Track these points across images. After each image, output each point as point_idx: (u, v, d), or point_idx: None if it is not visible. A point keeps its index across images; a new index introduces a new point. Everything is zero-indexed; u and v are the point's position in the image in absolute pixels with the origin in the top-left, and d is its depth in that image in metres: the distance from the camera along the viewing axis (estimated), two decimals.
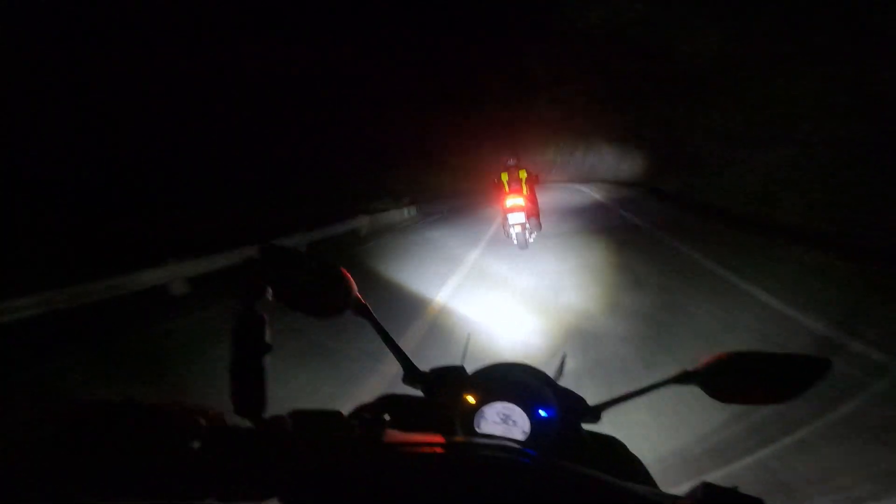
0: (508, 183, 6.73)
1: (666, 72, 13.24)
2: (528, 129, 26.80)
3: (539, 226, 6.82)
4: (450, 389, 0.70)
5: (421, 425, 0.67)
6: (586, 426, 0.72)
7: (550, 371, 0.77)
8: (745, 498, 0.45)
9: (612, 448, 0.74)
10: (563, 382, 0.75)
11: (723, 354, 0.65)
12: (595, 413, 0.71)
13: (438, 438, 0.49)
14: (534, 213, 6.69)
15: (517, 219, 6.41)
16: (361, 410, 0.71)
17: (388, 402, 0.75)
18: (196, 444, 0.42)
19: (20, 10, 9.30)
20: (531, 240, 6.70)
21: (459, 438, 0.63)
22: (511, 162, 6.98)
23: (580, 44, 16.34)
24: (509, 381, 0.71)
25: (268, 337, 0.58)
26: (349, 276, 0.69)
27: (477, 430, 0.68)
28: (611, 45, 14.50)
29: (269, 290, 0.61)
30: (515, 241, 6.64)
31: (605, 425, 0.71)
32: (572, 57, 17.62)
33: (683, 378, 0.67)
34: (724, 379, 0.64)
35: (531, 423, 0.68)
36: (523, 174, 6.77)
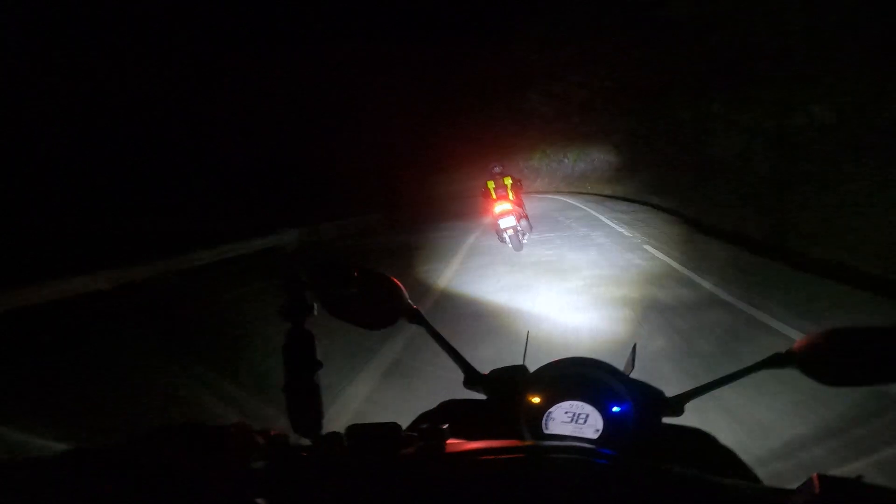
0: (495, 190, 7.07)
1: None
2: (511, 130, 24.68)
3: (530, 227, 7.18)
4: (513, 391, 0.66)
5: (485, 431, 0.62)
6: (668, 420, 0.66)
7: (620, 364, 0.72)
8: (875, 489, 0.38)
9: (700, 442, 0.68)
10: (638, 375, 0.69)
11: (820, 333, 0.60)
12: (676, 406, 0.65)
13: (504, 444, 0.46)
14: (523, 215, 7.04)
15: (509, 223, 6.71)
16: (421, 421, 0.69)
17: (449, 409, 0.72)
18: (259, 465, 0.42)
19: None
20: (524, 241, 6.95)
21: (527, 443, 0.59)
22: (497, 169, 7.32)
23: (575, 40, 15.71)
24: (576, 377, 0.66)
25: (318, 354, 0.59)
26: (400, 284, 0.69)
27: (545, 431, 0.63)
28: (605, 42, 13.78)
29: (316, 307, 0.61)
30: (510, 244, 6.86)
31: (692, 417, 0.64)
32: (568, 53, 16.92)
33: (777, 361, 0.62)
34: (827, 359, 0.59)
35: (604, 421, 0.63)
36: (508, 181, 7.11)
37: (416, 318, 0.70)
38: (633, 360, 0.74)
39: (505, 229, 6.75)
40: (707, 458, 0.66)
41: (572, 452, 0.45)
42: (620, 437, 0.62)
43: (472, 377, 0.69)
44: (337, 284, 0.66)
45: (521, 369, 0.70)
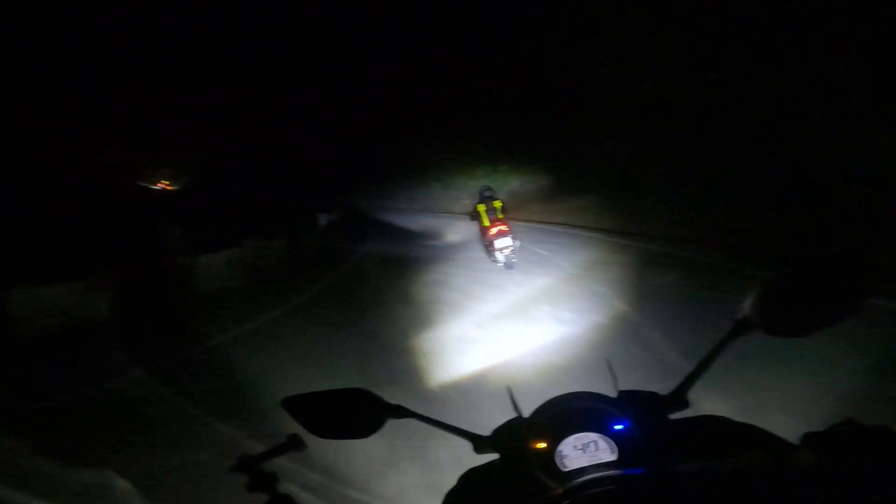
0: (487, 213, 7.36)
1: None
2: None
3: (520, 247, 7.34)
4: (520, 443, 0.66)
5: (507, 489, 0.64)
6: (677, 416, 0.67)
7: (602, 385, 0.74)
8: (861, 429, 0.40)
9: (715, 428, 0.68)
10: (625, 385, 0.70)
11: (765, 286, 0.61)
12: (678, 401, 0.66)
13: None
14: (515, 236, 7.27)
15: (504, 243, 6.93)
16: (451, 498, 0.69)
17: (470, 479, 0.72)
18: None
19: None
20: (515, 260, 7.15)
21: (553, 491, 0.58)
22: (487, 193, 7.58)
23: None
24: (570, 411, 0.67)
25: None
26: (371, 391, 0.73)
27: (563, 470, 0.63)
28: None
29: (305, 445, 0.68)
30: (502, 262, 7.08)
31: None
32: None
33: (742, 328, 0.63)
34: (780, 312, 0.60)
35: (613, 441, 0.63)
36: (498, 203, 7.42)
37: (402, 412, 0.73)
38: (614, 374, 0.75)
39: (501, 249, 6.96)
40: (726, 439, 0.66)
41: (595, 484, 0.45)
42: (636, 450, 0.62)
43: (479, 443, 0.71)
44: (314, 411, 0.71)
45: (517, 420, 0.71)
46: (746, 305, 0.62)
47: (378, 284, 7.88)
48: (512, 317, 4.84)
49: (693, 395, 0.67)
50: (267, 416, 3.03)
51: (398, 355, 4.09)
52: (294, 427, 0.73)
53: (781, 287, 0.61)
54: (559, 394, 0.70)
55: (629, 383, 0.71)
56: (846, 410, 2.23)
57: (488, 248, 7.41)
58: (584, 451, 0.64)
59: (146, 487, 2.53)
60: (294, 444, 0.69)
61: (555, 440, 0.65)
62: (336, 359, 4.27)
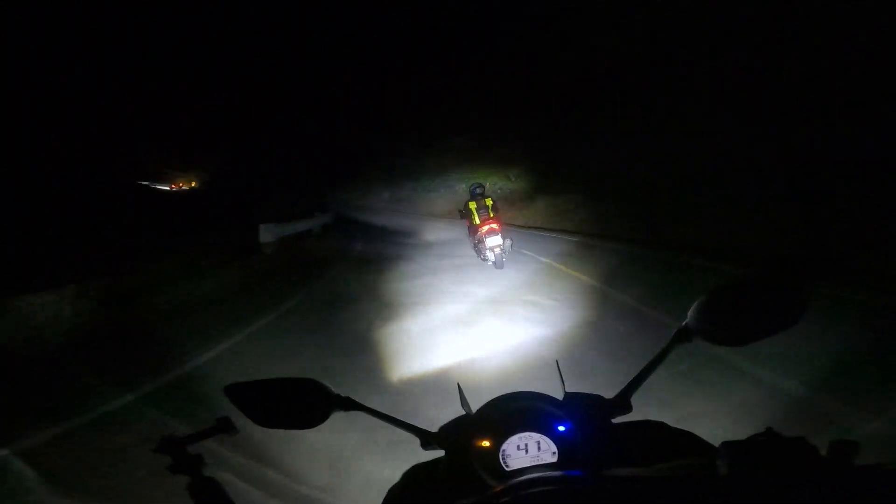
0: (477, 210, 7.38)
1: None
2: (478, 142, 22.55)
3: (511, 246, 7.30)
4: (464, 441, 0.67)
5: (450, 485, 0.64)
6: (619, 420, 0.69)
7: (552, 386, 0.75)
8: (779, 439, 0.43)
9: (653, 432, 0.70)
10: (574, 387, 0.72)
11: (707, 297, 0.64)
12: (621, 404, 0.68)
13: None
14: (505, 235, 7.24)
15: (495, 241, 6.89)
16: (393, 496, 0.69)
17: (415, 474, 0.72)
18: None
19: None
20: (505, 259, 7.08)
21: (493, 489, 0.58)
22: (478, 191, 7.59)
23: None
24: (515, 410, 0.68)
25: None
26: (320, 381, 0.72)
27: (507, 468, 0.64)
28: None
29: (235, 429, 0.67)
30: (493, 261, 7.01)
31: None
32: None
33: (684, 335, 0.66)
34: (719, 322, 0.63)
35: (554, 442, 0.64)
36: (489, 202, 7.43)
37: (351, 405, 0.72)
38: (562, 376, 0.77)
39: (492, 248, 6.92)
40: (662, 445, 0.68)
41: (534, 484, 0.45)
42: (576, 452, 0.63)
43: (427, 439, 0.71)
44: (257, 397, 0.69)
45: (465, 418, 0.72)
46: (689, 315, 0.65)
47: (338, 278, 7.73)
48: (471, 315, 4.87)
49: (636, 399, 0.69)
50: (211, 403, 2.90)
51: (356, 347, 4.02)
52: (238, 414, 0.70)
53: (721, 299, 0.64)
54: (507, 392, 0.71)
55: (578, 385, 0.72)
56: (777, 419, 2.43)
57: (478, 245, 7.49)
58: (526, 450, 0.64)
59: (56, 469, 2.35)
60: (223, 428, 0.67)
61: (499, 439, 0.65)
62: (291, 350, 4.13)
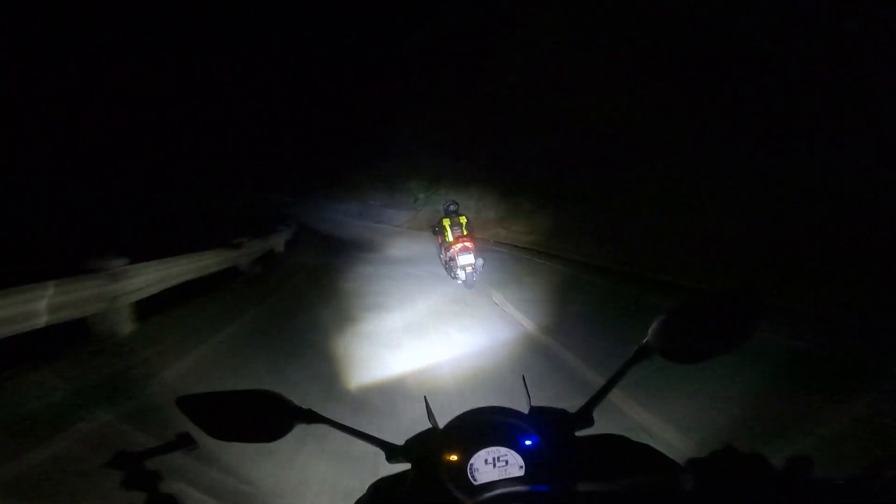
0: (451, 228, 7.35)
1: None
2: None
3: (482, 266, 7.27)
4: (432, 455, 0.67)
5: (418, 500, 0.64)
6: (582, 433, 0.70)
7: (514, 401, 0.76)
8: (741, 457, 0.45)
9: (615, 445, 0.72)
10: (540, 401, 0.73)
11: (666, 315, 0.67)
12: (584, 418, 0.70)
13: None
14: (478, 255, 7.21)
15: (467, 259, 6.86)
16: None
17: (380, 488, 0.72)
18: None
19: None
20: (475, 279, 7.08)
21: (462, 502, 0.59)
22: (452, 208, 7.56)
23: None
24: (483, 425, 0.69)
25: None
26: (280, 393, 0.70)
27: (474, 483, 0.64)
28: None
29: (195, 444, 0.61)
30: (463, 279, 6.96)
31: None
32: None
33: (643, 353, 0.69)
34: (677, 340, 0.66)
35: (521, 456, 0.65)
36: (464, 219, 7.44)
37: (313, 417, 0.71)
38: (527, 391, 0.78)
39: (464, 266, 6.88)
40: (624, 458, 0.70)
41: (505, 501, 0.46)
42: (542, 466, 0.64)
43: (392, 452, 0.71)
44: (214, 412, 0.67)
45: (432, 432, 0.72)
46: (649, 332, 0.68)
47: (305, 290, 7.44)
48: (437, 328, 4.87)
49: (597, 413, 0.71)
50: (166, 416, 2.73)
51: (321, 360, 3.93)
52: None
53: (679, 318, 0.67)
54: (474, 407, 0.72)
55: (543, 399, 0.74)
56: (736, 436, 2.52)
57: (449, 263, 7.38)
58: (494, 465, 0.65)
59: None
60: (184, 443, 0.65)
61: (468, 453, 0.66)
62: (253, 361, 3.97)
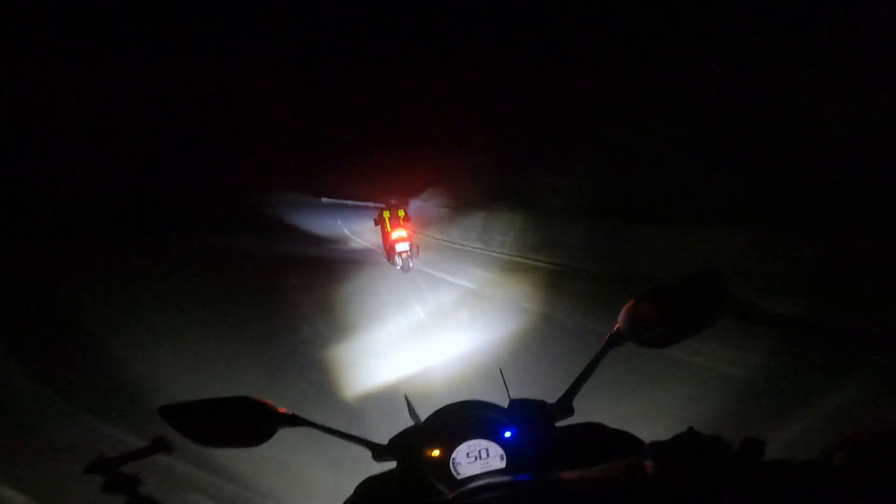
0: (390, 220, 8.19)
1: None
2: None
3: (418, 253, 8.15)
4: (415, 451, 0.68)
5: (404, 496, 0.65)
6: (563, 423, 0.73)
7: (494, 393, 0.78)
8: (701, 438, 0.48)
9: (593, 433, 0.75)
10: (518, 393, 0.75)
11: (635, 301, 0.70)
12: (564, 408, 0.72)
13: None
14: (414, 244, 8.08)
15: (403, 247, 7.69)
16: None
17: (368, 486, 0.72)
18: None
19: None
20: (411, 265, 7.88)
21: (444, 497, 0.61)
22: (393, 201, 8.51)
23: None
24: (463, 419, 0.70)
25: None
26: (262, 399, 0.70)
27: (458, 476, 0.66)
28: None
29: (173, 447, 0.65)
30: (400, 265, 7.74)
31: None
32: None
33: (616, 340, 0.71)
34: (648, 326, 0.69)
35: (502, 448, 0.67)
36: (402, 213, 8.26)
37: (296, 421, 0.70)
38: (506, 383, 0.80)
39: (400, 253, 7.66)
40: (602, 445, 0.72)
41: (483, 491, 0.48)
42: (523, 457, 0.66)
43: (377, 451, 0.71)
44: (197, 419, 0.67)
45: (414, 429, 0.73)
46: (619, 319, 0.70)
47: (282, 291, 7.30)
48: (413, 326, 4.87)
49: (577, 402, 0.74)
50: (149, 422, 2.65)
51: (300, 362, 3.86)
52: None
53: (647, 304, 0.69)
54: (454, 401, 0.73)
55: (521, 391, 0.76)
56: (703, 418, 2.58)
57: (389, 252, 8.07)
58: (476, 458, 0.67)
59: None
60: (160, 447, 0.65)
61: (449, 448, 0.67)
62: (232, 365, 3.88)
